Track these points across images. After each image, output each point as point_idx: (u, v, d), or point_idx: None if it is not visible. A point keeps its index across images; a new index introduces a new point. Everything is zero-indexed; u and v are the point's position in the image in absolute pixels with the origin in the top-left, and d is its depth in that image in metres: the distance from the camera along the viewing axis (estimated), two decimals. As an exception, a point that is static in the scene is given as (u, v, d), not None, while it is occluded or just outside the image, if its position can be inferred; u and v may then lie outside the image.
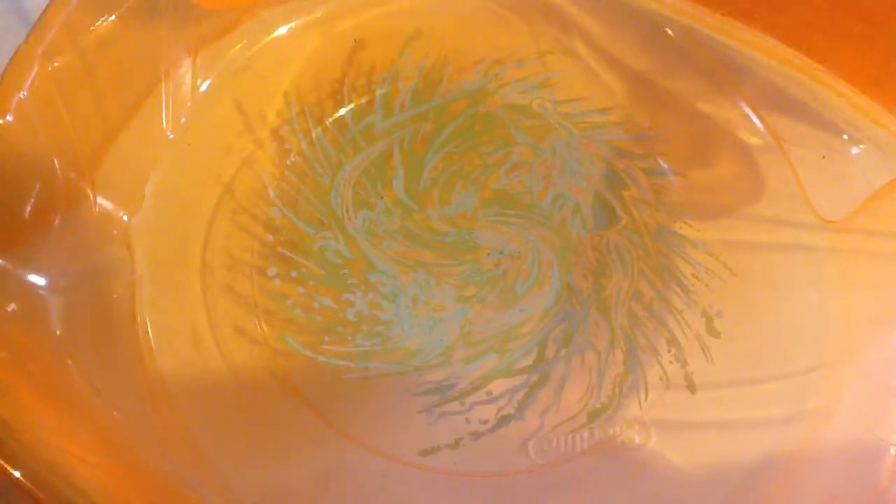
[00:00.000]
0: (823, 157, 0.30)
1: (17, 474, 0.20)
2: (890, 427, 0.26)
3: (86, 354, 0.25)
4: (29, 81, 0.24)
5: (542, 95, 0.31)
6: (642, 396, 0.27)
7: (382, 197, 0.29)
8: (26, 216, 0.25)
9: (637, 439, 0.27)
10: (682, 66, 0.31)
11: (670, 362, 0.28)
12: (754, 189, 0.30)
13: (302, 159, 0.30)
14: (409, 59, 0.31)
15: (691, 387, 0.28)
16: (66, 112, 0.26)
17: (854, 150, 0.30)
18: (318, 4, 0.31)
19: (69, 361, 0.25)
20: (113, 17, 0.27)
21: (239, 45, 0.30)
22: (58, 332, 0.25)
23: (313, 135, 0.30)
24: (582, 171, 0.30)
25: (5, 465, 0.20)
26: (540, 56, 0.31)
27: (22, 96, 0.24)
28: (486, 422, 0.27)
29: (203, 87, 0.30)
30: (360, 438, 0.26)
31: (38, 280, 0.25)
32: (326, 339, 0.27)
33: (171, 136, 0.29)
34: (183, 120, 0.29)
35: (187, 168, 0.29)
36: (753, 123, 0.31)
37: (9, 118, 0.24)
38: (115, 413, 0.25)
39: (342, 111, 0.30)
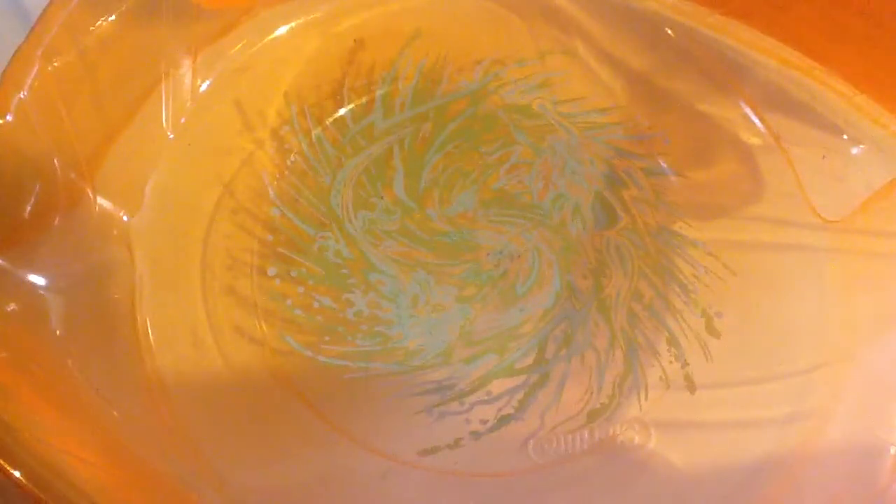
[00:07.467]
0: (823, 157, 0.30)
1: (17, 474, 0.20)
2: (890, 427, 0.26)
3: (86, 354, 0.25)
4: (29, 81, 0.24)
5: (542, 95, 0.31)
6: (642, 396, 0.27)
7: (382, 197, 0.29)
8: (26, 216, 0.25)
9: (637, 439, 0.27)
10: (682, 66, 0.31)
11: (670, 362, 0.28)
12: (754, 189, 0.30)
13: (302, 159, 0.30)
14: (409, 59, 0.31)
15: (691, 387, 0.28)
16: (66, 112, 0.26)
17: (854, 150, 0.30)
18: (318, 4, 0.31)
19: (69, 361, 0.25)
20: (113, 17, 0.27)
21: (239, 45, 0.30)
22: (58, 332, 0.25)
23: (313, 135, 0.30)
24: (582, 171, 0.30)
25: (5, 465, 0.20)
26: (540, 56, 0.31)
27: (22, 96, 0.24)
28: (486, 422, 0.27)
29: (203, 87, 0.30)
30: (360, 438, 0.26)
31: (38, 280, 0.25)
32: (326, 339, 0.27)
33: (171, 136, 0.29)
34: (183, 120, 0.29)
35: (187, 168, 0.29)
36: (753, 123, 0.31)
37: (9, 118, 0.24)
38: (115, 413, 0.25)
39: (342, 111, 0.30)
